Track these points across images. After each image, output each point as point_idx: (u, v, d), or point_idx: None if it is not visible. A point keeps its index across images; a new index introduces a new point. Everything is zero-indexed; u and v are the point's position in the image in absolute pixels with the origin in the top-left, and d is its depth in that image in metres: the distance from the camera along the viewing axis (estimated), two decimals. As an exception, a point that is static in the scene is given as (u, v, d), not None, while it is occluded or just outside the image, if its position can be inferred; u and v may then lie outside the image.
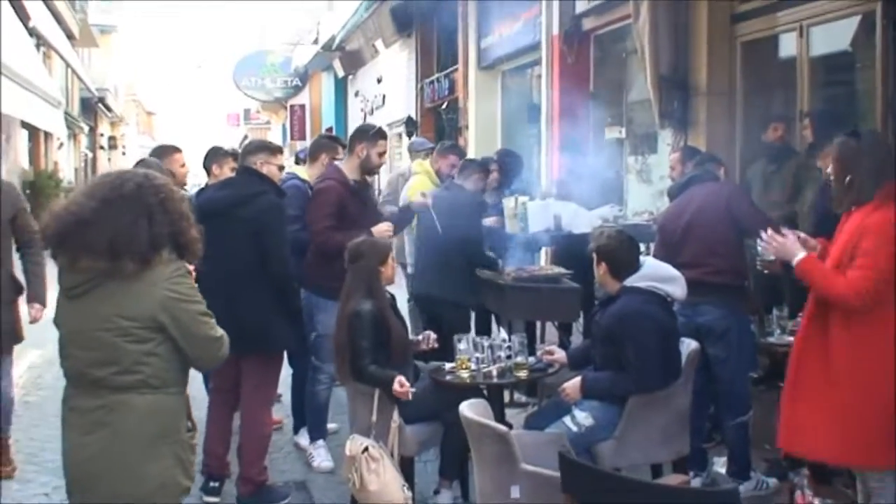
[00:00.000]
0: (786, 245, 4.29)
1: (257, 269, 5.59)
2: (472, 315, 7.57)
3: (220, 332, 3.53)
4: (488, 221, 7.55)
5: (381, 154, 6.59)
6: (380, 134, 6.68)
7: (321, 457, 6.45)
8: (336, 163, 6.75)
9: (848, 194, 4.21)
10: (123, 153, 47.21)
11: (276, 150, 6.00)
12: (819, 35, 7.56)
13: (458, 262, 6.91)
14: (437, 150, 8.73)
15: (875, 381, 4.05)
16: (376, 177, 7.36)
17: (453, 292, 6.93)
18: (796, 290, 5.95)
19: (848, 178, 4.19)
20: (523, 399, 7.57)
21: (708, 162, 6.31)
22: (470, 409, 4.47)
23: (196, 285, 3.52)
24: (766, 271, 5.96)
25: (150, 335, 3.33)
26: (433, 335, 5.74)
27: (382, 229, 6.24)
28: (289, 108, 31.60)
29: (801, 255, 4.23)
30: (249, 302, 5.54)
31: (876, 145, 4.32)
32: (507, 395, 7.13)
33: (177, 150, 7.54)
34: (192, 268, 3.58)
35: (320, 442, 6.54)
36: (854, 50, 7.60)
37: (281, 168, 6.00)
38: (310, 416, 6.65)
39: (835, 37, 7.67)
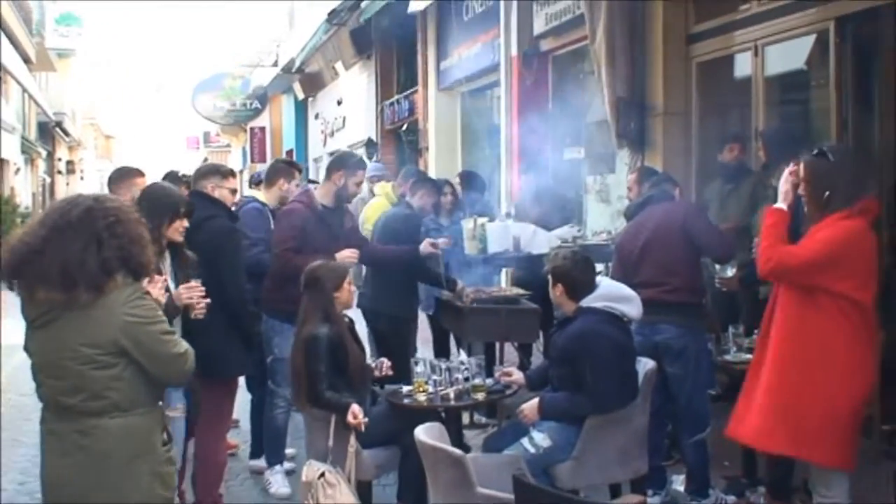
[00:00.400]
0: (787, 188, 4.39)
1: (211, 294, 5.51)
2: (422, 328, 7.57)
3: (184, 347, 3.56)
4: (439, 242, 7.53)
5: (358, 184, 6.67)
6: (360, 164, 6.74)
7: (278, 483, 6.37)
8: (311, 186, 6.76)
9: (826, 209, 4.28)
10: (81, 178, 46.90)
11: (227, 174, 5.94)
12: (774, 54, 7.62)
13: (396, 276, 6.93)
14: (401, 175, 9.05)
15: (806, 379, 4.21)
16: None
17: (391, 305, 6.99)
18: (753, 308, 5.98)
19: (826, 195, 4.26)
20: (483, 420, 7.54)
21: (665, 182, 6.33)
22: (425, 434, 4.42)
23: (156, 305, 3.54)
24: (724, 289, 6.01)
25: (114, 360, 3.35)
26: (387, 362, 5.69)
27: (346, 255, 6.20)
28: (249, 130, 31.42)
29: (783, 205, 4.37)
30: (204, 326, 5.44)
31: (847, 160, 4.44)
32: (466, 417, 7.10)
33: (140, 173, 6.89)
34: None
35: (277, 467, 6.47)
36: (809, 69, 7.67)
37: (234, 192, 5.94)
38: (267, 441, 6.59)
39: (790, 56, 7.73)
